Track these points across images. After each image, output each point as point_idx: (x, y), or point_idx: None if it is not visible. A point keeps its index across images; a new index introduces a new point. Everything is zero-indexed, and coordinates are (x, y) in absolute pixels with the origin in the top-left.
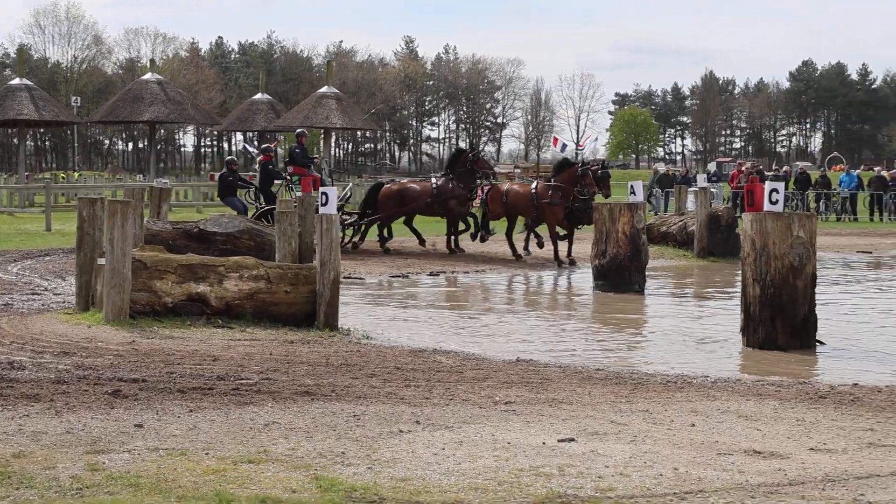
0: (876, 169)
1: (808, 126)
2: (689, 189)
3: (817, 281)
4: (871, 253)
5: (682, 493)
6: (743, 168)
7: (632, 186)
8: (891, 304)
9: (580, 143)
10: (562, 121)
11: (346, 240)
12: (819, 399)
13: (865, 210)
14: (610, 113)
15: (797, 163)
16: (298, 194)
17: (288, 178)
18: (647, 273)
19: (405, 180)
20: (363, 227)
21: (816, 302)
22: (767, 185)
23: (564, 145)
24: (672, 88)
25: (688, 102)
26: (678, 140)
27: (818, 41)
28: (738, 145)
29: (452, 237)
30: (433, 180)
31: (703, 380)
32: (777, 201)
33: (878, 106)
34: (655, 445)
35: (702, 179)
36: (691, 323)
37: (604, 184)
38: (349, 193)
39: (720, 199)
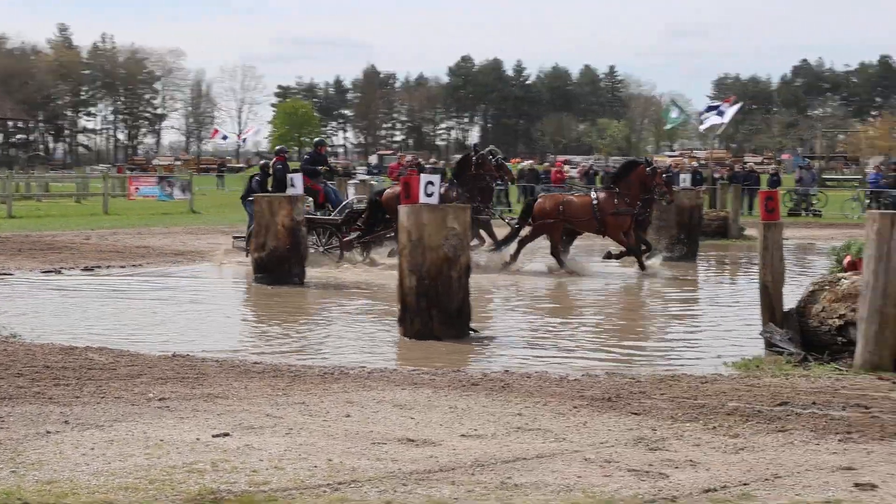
0: (528, 162)
1: (466, 120)
2: (350, 182)
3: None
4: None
5: (335, 483)
6: (403, 161)
7: (291, 179)
8: (536, 291)
9: (241, 136)
10: (223, 112)
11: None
12: (472, 386)
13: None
14: (272, 105)
15: (456, 156)
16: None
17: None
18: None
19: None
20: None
21: (470, 291)
22: (423, 178)
23: (225, 137)
24: (334, 81)
25: (350, 95)
26: (340, 133)
27: (476, 37)
28: (399, 138)
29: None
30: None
31: (360, 370)
32: (432, 194)
33: (532, 101)
34: (311, 437)
35: (362, 172)
36: (353, 314)
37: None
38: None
39: None
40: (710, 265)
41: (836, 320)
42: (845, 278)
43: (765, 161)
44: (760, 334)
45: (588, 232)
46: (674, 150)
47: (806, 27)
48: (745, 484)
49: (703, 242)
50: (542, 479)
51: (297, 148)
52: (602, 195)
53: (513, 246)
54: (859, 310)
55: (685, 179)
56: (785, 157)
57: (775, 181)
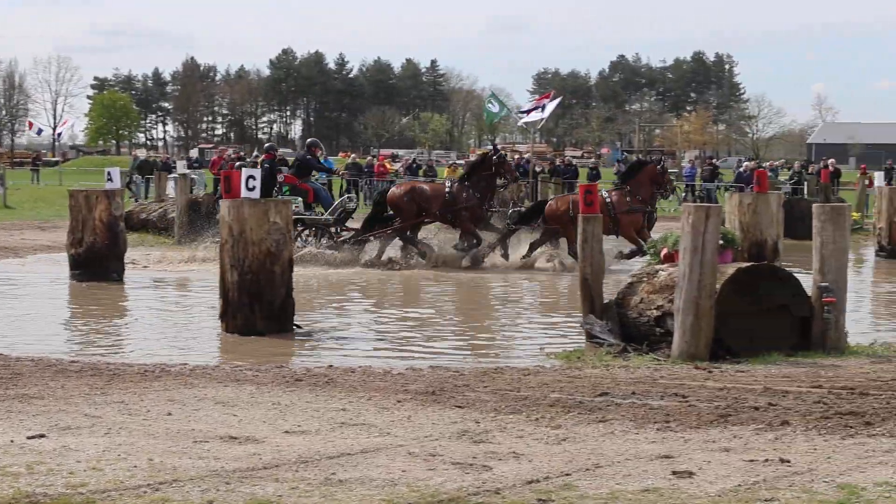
0: (352, 156)
1: (288, 113)
2: (170, 176)
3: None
4: None
5: (156, 483)
6: (224, 155)
7: (109, 173)
8: (384, 285)
9: (56, 129)
10: (38, 105)
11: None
12: (295, 382)
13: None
14: (89, 97)
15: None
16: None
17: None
18: (126, 261)
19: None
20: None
21: (294, 286)
22: (244, 172)
23: (40, 130)
24: (153, 73)
25: (169, 88)
26: (160, 126)
27: (298, 30)
28: (220, 132)
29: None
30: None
31: (182, 368)
32: (254, 188)
33: (355, 94)
34: (131, 437)
35: (182, 166)
36: (173, 311)
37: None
38: (354, 206)
39: (202, 186)
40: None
41: (654, 311)
42: (662, 270)
43: (584, 155)
44: (581, 326)
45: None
46: (496, 144)
47: (623, 23)
48: (567, 474)
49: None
50: (367, 475)
51: (114, 141)
52: (614, 194)
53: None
54: (676, 301)
55: None
56: (604, 150)
57: (595, 175)
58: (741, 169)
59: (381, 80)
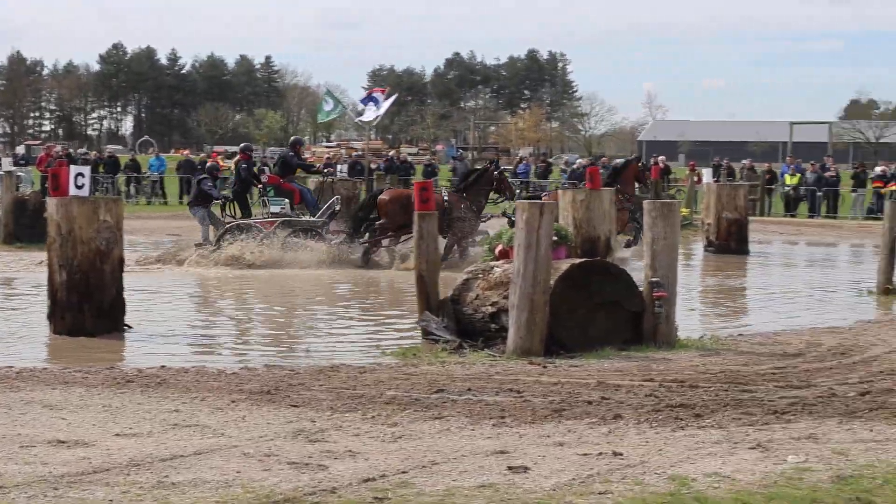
0: (184, 153)
1: (119, 109)
2: None
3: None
4: (179, 235)
5: None
6: (52, 152)
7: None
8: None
9: None
10: None
11: None
12: (126, 383)
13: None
14: None
15: (108, 146)
16: (275, 208)
17: (259, 185)
18: None
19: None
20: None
21: (125, 286)
22: (73, 170)
23: None
24: None
25: None
26: None
27: (128, 24)
28: (48, 128)
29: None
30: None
31: (7, 371)
32: (83, 185)
33: (188, 90)
34: None
35: (7, 163)
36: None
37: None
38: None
39: (28, 184)
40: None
41: (490, 308)
42: (497, 266)
43: (420, 152)
44: (417, 323)
45: None
46: (331, 141)
47: (458, 21)
48: (403, 472)
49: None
50: (201, 476)
51: None
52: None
53: None
54: (511, 297)
55: (343, 170)
56: (439, 147)
57: (430, 172)
58: (574, 165)
59: (215, 75)
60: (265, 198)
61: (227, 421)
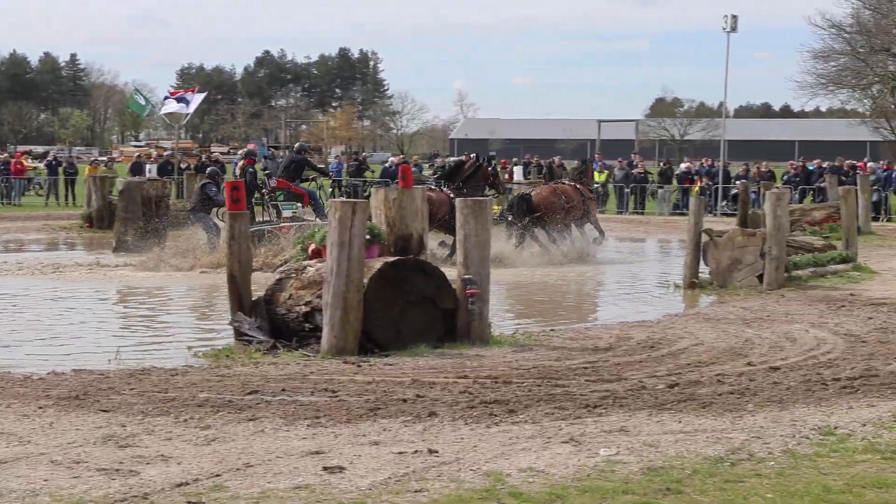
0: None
1: None
2: None
3: None
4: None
5: None
6: None
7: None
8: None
9: None
10: None
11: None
12: None
13: None
14: None
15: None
16: (287, 213)
17: (265, 189)
18: None
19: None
20: None
21: None
22: None
23: None
24: None
25: None
26: None
27: None
28: None
29: None
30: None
31: None
32: None
33: None
34: None
35: None
36: None
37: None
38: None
39: None
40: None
41: (303, 307)
42: (311, 266)
43: (231, 151)
44: (230, 324)
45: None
46: (140, 141)
47: (268, 19)
48: (217, 475)
49: (172, 232)
50: (6, 486)
51: None
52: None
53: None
54: (324, 296)
55: (151, 170)
56: (250, 146)
57: (242, 171)
58: (386, 164)
59: (18, 74)
60: (275, 202)
61: (34, 428)
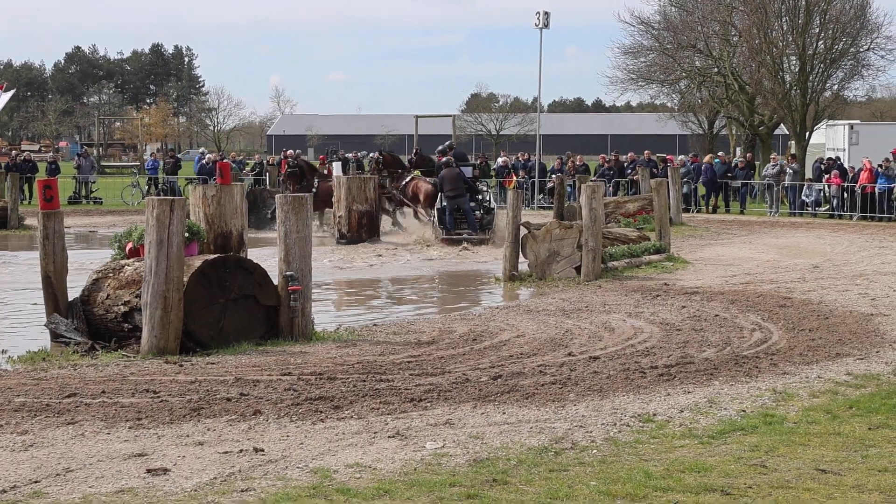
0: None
1: None
2: None
3: None
4: None
5: None
6: None
7: None
8: None
9: None
10: None
11: None
12: None
13: None
14: None
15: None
16: None
17: None
18: None
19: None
20: None
21: None
22: None
23: None
24: None
25: None
26: None
27: None
28: None
29: None
30: None
31: None
32: None
33: None
34: None
35: None
36: None
37: None
38: None
39: None
40: None
41: (122, 307)
42: (129, 265)
43: (42, 149)
44: (46, 325)
45: None
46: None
47: (79, 14)
48: (36, 482)
49: None
50: None
51: None
52: None
53: None
54: (143, 295)
55: None
56: (63, 144)
57: (54, 169)
58: (204, 161)
59: None
60: None
61: None
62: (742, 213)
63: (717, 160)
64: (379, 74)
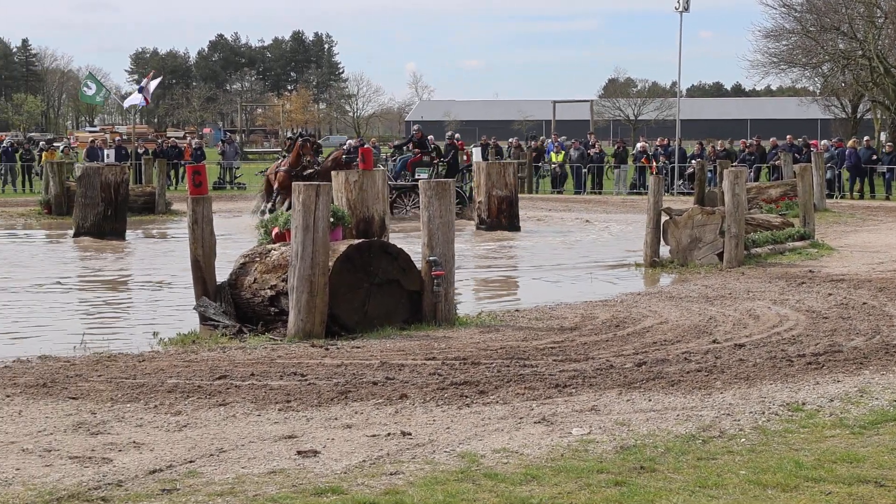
0: None
1: None
2: None
3: None
4: None
5: None
6: None
7: None
8: None
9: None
10: None
11: None
12: None
13: None
14: None
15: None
16: None
17: None
18: None
19: None
20: None
21: None
22: None
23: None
24: None
25: None
26: None
27: None
28: None
29: None
30: None
31: None
32: None
33: None
34: None
35: None
36: None
37: None
38: None
39: None
40: (140, 241)
41: (269, 291)
42: (275, 249)
43: (187, 135)
44: (195, 308)
45: None
46: (95, 126)
47: (221, 3)
48: (191, 461)
49: (131, 218)
50: None
51: None
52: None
53: None
54: (290, 280)
55: (109, 155)
56: (206, 131)
57: (199, 155)
58: (345, 146)
59: None
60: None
61: (3, 416)
62: (888, 198)
63: (861, 146)
64: (514, 60)
